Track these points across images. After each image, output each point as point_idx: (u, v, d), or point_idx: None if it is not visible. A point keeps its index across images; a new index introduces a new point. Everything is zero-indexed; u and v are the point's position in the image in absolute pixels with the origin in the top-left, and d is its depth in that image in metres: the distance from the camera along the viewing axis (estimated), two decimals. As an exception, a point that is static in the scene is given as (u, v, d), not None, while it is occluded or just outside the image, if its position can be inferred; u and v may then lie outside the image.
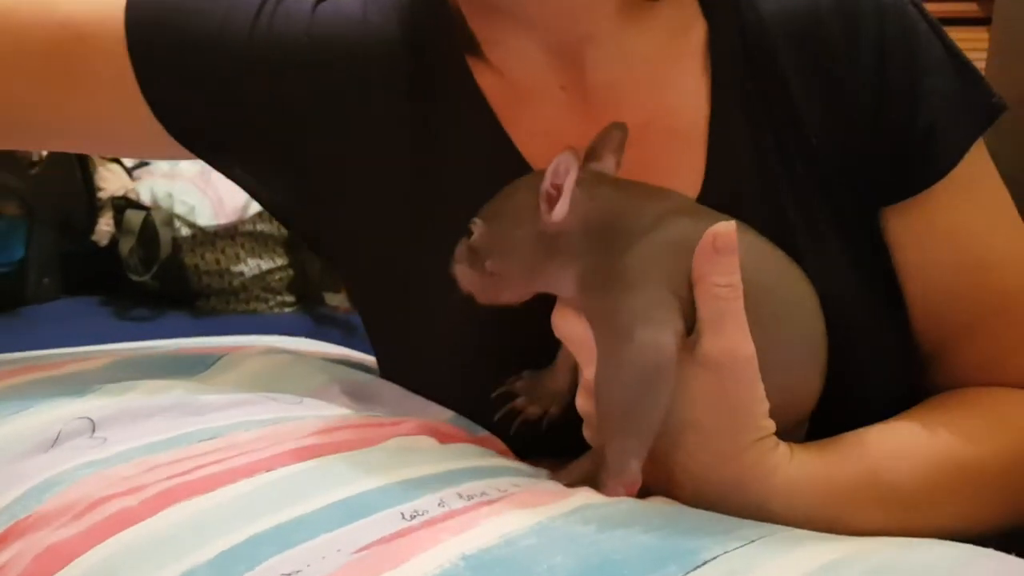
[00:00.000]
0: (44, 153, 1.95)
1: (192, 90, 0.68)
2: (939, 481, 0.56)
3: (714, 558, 0.42)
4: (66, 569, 0.43)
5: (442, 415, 0.65)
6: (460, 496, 0.47)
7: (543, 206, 0.54)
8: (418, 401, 0.66)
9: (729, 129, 0.64)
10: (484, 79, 0.67)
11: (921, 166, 0.61)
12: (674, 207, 0.55)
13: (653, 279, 0.52)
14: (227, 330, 2.00)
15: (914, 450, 0.57)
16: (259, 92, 0.67)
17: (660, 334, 0.51)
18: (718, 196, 0.62)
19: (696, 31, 0.66)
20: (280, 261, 2.21)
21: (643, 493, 0.52)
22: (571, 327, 0.55)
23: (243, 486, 0.48)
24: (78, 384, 0.63)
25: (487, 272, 0.56)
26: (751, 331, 0.51)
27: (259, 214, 2.18)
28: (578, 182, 0.54)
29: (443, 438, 0.58)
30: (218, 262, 2.15)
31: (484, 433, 0.64)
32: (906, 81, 0.61)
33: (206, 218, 2.11)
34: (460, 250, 0.58)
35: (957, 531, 0.52)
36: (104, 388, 0.62)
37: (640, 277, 0.52)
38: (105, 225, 2.19)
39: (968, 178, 0.62)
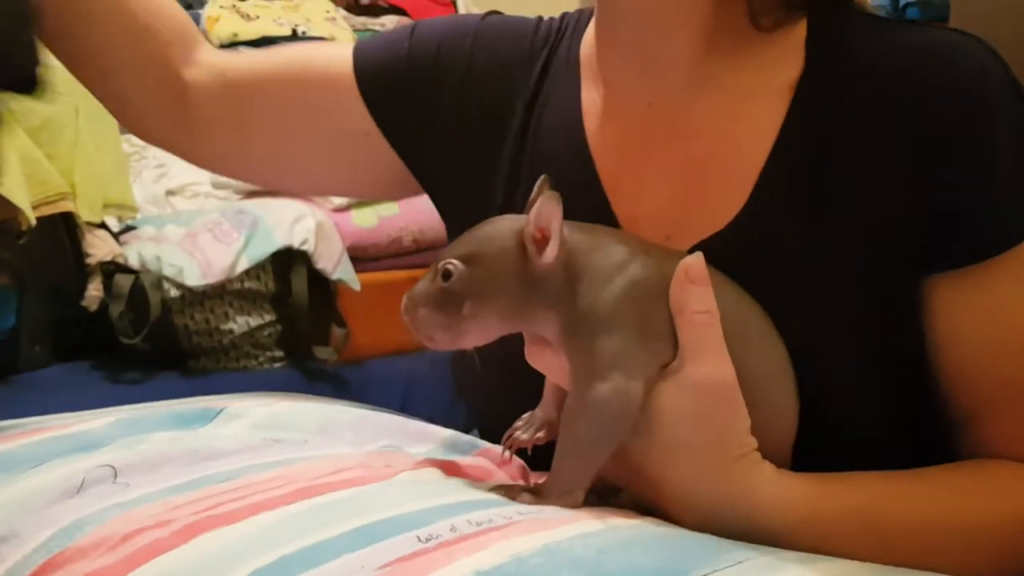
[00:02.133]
0: (33, 222, 1.99)
1: (425, 125, 0.78)
2: (927, 535, 0.57)
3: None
4: (110, 595, 0.47)
5: (438, 436, 0.70)
6: (470, 523, 0.50)
7: (531, 249, 0.56)
8: (415, 426, 0.71)
9: (783, 170, 0.65)
10: (588, 92, 0.74)
11: (976, 240, 0.62)
12: (636, 246, 0.59)
13: (628, 320, 0.56)
14: (219, 389, 2.02)
15: (909, 497, 0.59)
16: (473, 107, 0.77)
17: (631, 381, 0.55)
18: (747, 233, 0.65)
19: (790, 68, 0.68)
20: (268, 317, 2.24)
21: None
22: (547, 362, 0.59)
23: (265, 518, 0.51)
24: (91, 439, 0.66)
25: (463, 315, 0.57)
26: (732, 353, 0.56)
27: (246, 272, 2.21)
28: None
29: (447, 470, 0.62)
30: (207, 321, 2.18)
31: (477, 451, 0.69)
32: (980, 157, 0.61)
33: (194, 278, 2.14)
34: (424, 292, 0.58)
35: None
36: (120, 441, 0.65)
37: (615, 319, 0.56)
38: (95, 290, 2.22)
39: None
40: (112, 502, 0.56)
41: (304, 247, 2.29)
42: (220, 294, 2.19)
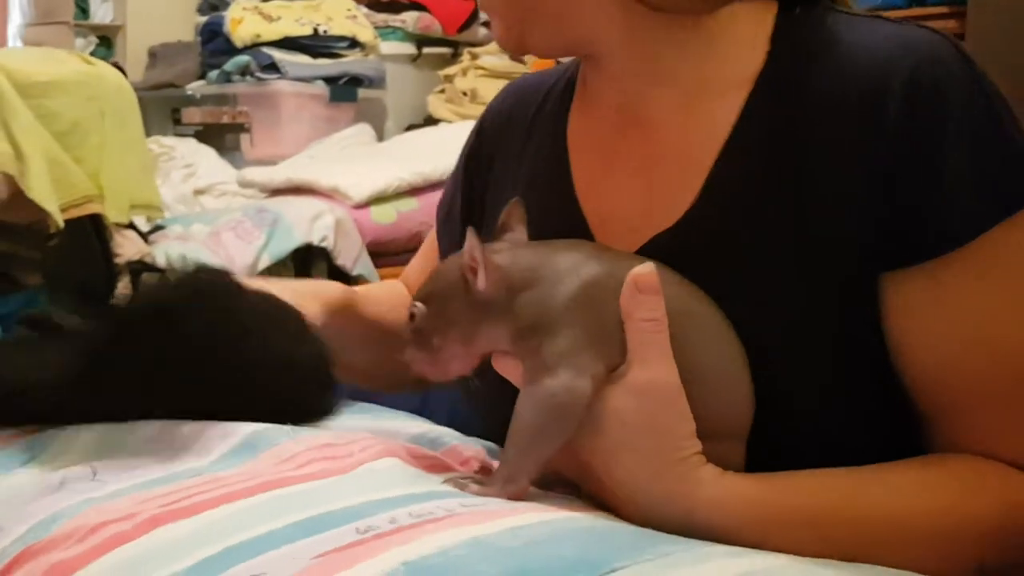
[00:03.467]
0: (60, 224, 2.04)
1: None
2: (875, 534, 0.58)
3: (623, 567, 0.47)
4: (69, 583, 0.50)
5: (416, 427, 0.73)
6: (410, 515, 0.53)
7: (469, 278, 0.61)
8: (401, 416, 0.74)
9: (736, 165, 0.66)
10: (575, 119, 0.78)
11: (929, 236, 0.61)
12: (585, 255, 0.62)
13: (576, 323, 0.58)
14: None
15: (856, 497, 0.59)
16: None
17: (579, 379, 0.57)
18: (695, 231, 0.67)
19: (753, 62, 0.68)
20: (291, 314, 2.27)
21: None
22: (509, 370, 0.62)
23: (222, 511, 0.54)
24: (78, 437, 0.70)
25: (435, 349, 0.63)
26: (681, 352, 0.58)
27: (268, 269, 2.26)
28: (496, 251, 0.62)
29: (409, 459, 0.64)
30: (231, 319, 2.23)
31: (446, 447, 0.71)
32: (932, 154, 0.61)
33: (218, 277, 2.18)
34: (406, 336, 0.64)
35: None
36: (102, 440, 0.69)
37: (562, 322, 0.59)
38: (123, 289, 2.28)
39: (991, 258, 0.61)
40: (86, 496, 0.59)
41: (324, 244, 2.33)
42: (243, 291, 2.23)
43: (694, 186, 0.67)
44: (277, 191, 2.59)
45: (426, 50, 3.65)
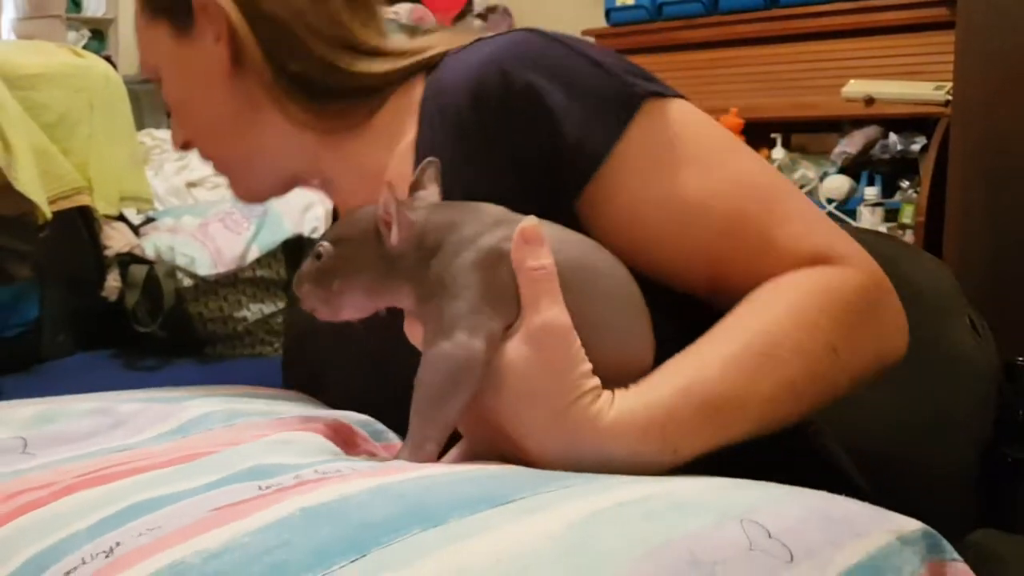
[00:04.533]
0: (49, 216, 2.05)
1: None
2: (743, 374, 0.61)
3: (522, 498, 0.48)
4: (-24, 546, 0.51)
5: (363, 418, 0.73)
6: (316, 472, 0.53)
7: (383, 231, 0.62)
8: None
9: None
10: None
11: (580, 166, 0.71)
12: (491, 220, 0.63)
13: (473, 286, 0.60)
14: (234, 374, 2.07)
15: (716, 351, 0.62)
16: None
17: (474, 339, 0.58)
18: None
19: (410, 130, 0.80)
20: (281, 304, 2.28)
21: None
22: (414, 334, 0.63)
23: (136, 479, 0.55)
24: (16, 411, 0.71)
25: (334, 291, 0.64)
26: (575, 302, 0.59)
27: (258, 260, 2.26)
28: (413, 209, 0.63)
29: (334, 437, 0.65)
30: (221, 309, 2.23)
31: (387, 441, 0.72)
32: (542, 117, 0.71)
33: (206, 268, 2.19)
34: (306, 271, 0.65)
35: (775, 422, 0.62)
36: (39, 414, 0.70)
37: (462, 285, 0.60)
38: (113, 281, 2.28)
39: (634, 156, 0.71)
40: (13, 468, 0.60)
41: (314, 235, 2.33)
42: (233, 282, 2.24)
43: None
44: (269, 183, 2.60)
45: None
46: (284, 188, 0.93)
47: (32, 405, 0.73)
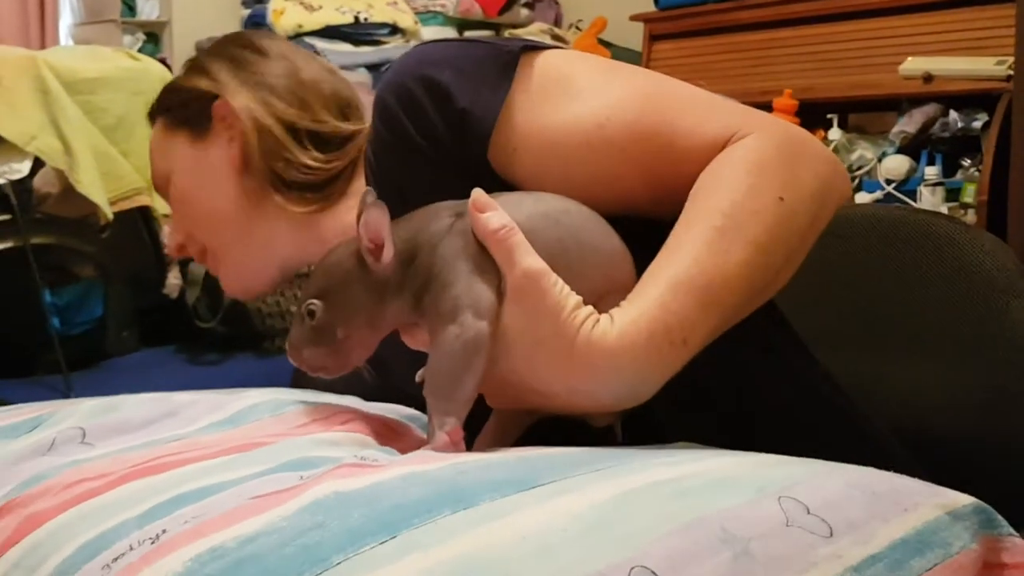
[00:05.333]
0: (110, 217, 2.10)
1: None
2: (709, 249, 0.64)
3: (552, 481, 0.49)
4: (37, 531, 0.53)
5: (410, 412, 0.74)
6: (356, 458, 0.55)
7: (369, 259, 0.63)
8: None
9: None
10: None
11: (477, 127, 0.74)
12: (450, 211, 0.65)
13: (462, 270, 0.62)
14: (292, 367, 2.10)
15: (677, 243, 0.65)
16: None
17: (478, 318, 0.60)
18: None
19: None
20: (337, 298, 2.31)
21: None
22: (418, 339, 0.66)
23: (186, 469, 0.57)
24: (79, 407, 0.73)
25: (339, 341, 0.64)
26: (546, 249, 0.62)
27: (313, 255, 2.30)
28: None
29: (383, 431, 0.66)
30: (278, 304, 2.27)
31: None
32: (439, 94, 0.75)
33: (263, 263, 2.23)
34: (300, 336, 0.66)
35: (764, 280, 0.65)
36: (99, 406, 0.72)
37: (450, 271, 0.62)
38: (174, 279, 2.33)
39: (523, 106, 0.74)
40: (72, 458, 0.62)
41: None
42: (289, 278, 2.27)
43: None
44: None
45: (467, 34, 3.66)
46: (273, 283, 1.00)
47: (96, 400, 0.75)
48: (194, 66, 1.00)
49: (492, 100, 0.75)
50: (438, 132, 0.75)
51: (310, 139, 0.93)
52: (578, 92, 0.74)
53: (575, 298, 0.61)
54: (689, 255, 0.63)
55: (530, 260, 0.61)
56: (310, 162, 0.92)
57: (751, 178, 0.67)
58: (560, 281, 0.61)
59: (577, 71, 0.76)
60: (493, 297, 0.61)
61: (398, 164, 0.78)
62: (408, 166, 0.78)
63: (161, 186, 1.01)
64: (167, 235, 1.04)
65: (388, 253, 0.63)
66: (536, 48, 0.78)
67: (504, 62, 0.76)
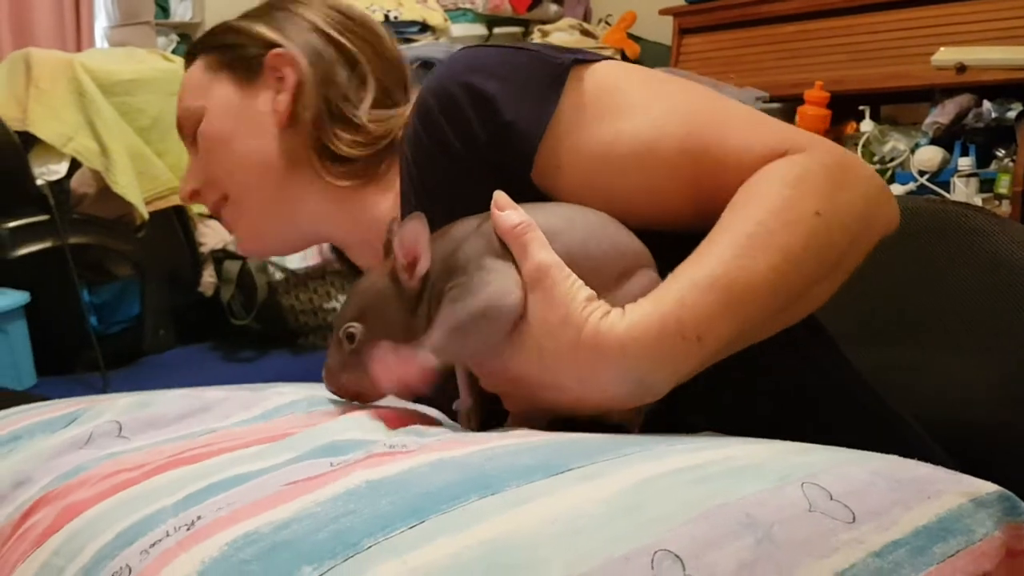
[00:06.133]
0: (146, 217, 2.13)
1: None
2: (738, 253, 0.63)
3: (580, 466, 0.50)
4: (76, 519, 0.55)
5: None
6: (385, 445, 0.56)
7: (403, 276, 0.65)
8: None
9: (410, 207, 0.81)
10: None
11: (522, 141, 0.74)
12: (476, 219, 0.67)
13: (489, 257, 0.64)
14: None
15: (706, 248, 0.65)
16: None
17: (512, 290, 0.63)
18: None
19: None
20: (369, 294, 2.32)
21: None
22: None
23: (220, 458, 0.58)
24: (116, 402, 0.74)
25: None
26: (563, 246, 0.64)
27: (344, 251, 2.32)
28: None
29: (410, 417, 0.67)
30: (311, 301, 2.29)
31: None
32: (483, 103, 0.74)
33: (296, 261, 2.25)
34: (339, 360, 0.67)
35: (788, 291, 0.64)
36: (135, 401, 0.73)
37: (480, 262, 0.64)
38: (209, 277, 2.36)
39: (571, 121, 0.74)
40: (109, 451, 0.64)
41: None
42: (322, 275, 2.29)
43: None
44: (355, 176, 2.65)
45: (497, 30, 3.66)
46: (292, 247, 1.00)
47: (132, 395, 0.77)
48: (257, 13, 0.97)
49: (539, 115, 0.74)
50: (479, 141, 0.75)
51: (361, 113, 0.90)
52: (628, 108, 0.74)
53: (587, 291, 0.62)
54: (715, 257, 0.64)
55: (544, 254, 0.63)
56: (359, 137, 0.89)
57: (788, 190, 0.66)
58: (573, 275, 0.63)
59: (627, 86, 0.75)
60: (519, 280, 0.63)
61: (430, 165, 0.78)
62: (441, 169, 0.77)
63: (185, 125, 0.97)
64: (181, 180, 0.99)
65: (424, 265, 0.65)
66: (586, 61, 0.77)
67: (553, 76, 0.75)
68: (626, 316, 0.61)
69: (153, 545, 0.48)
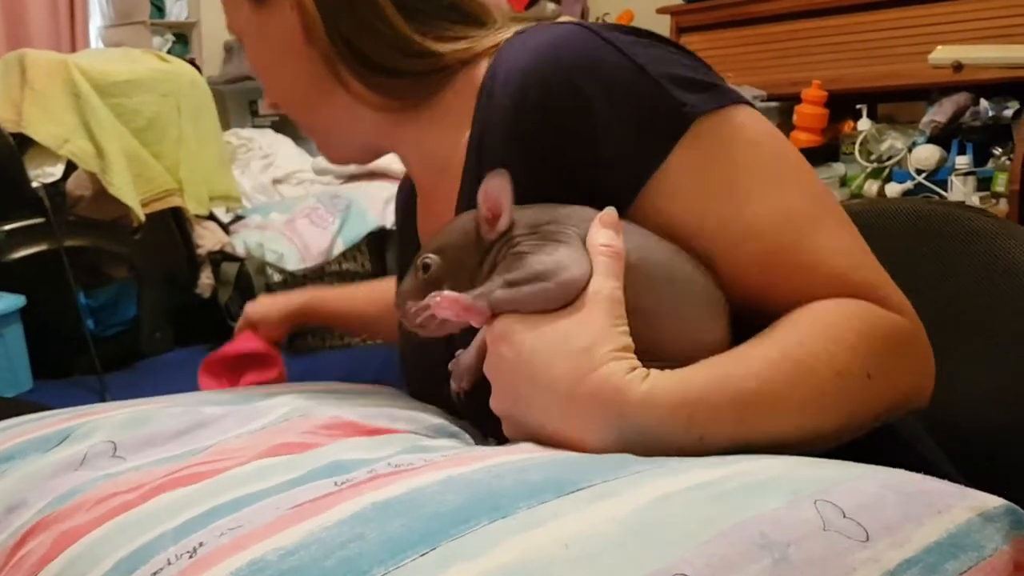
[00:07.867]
0: (142, 219, 2.12)
1: None
2: (778, 377, 0.61)
3: (591, 485, 0.49)
4: (73, 546, 0.53)
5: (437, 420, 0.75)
6: (389, 464, 0.55)
7: (484, 227, 0.66)
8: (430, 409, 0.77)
9: (470, 181, 0.77)
10: (421, 208, 0.93)
11: (618, 186, 0.69)
12: (588, 214, 0.67)
13: (578, 238, 0.65)
14: (325, 366, 2.12)
15: (754, 353, 0.63)
16: None
17: (579, 267, 0.62)
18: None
19: (467, 123, 0.80)
20: (367, 296, 2.31)
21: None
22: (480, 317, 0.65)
23: (220, 478, 0.57)
24: (108, 419, 0.73)
25: None
26: (646, 293, 0.64)
27: (343, 254, 2.30)
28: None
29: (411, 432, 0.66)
30: (309, 303, 2.27)
31: (467, 441, 0.73)
32: (587, 129, 0.70)
33: (294, 263, 2.24)
34: (411, 287, 0.67)
35: (803, 436, 0.61)
36: (129, 419, 0.72)
37: (559, 237, 0.65)
38: (206, 279, 2.35)
39: (676, 180, 0.69)
40: (104, 472, 0.63)
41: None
42: (320, 276, 2.28)
43: (453, 193, 0.80)
44: (352, 177, 2.64)
45: (498, 29, 3.65)
46: (367, 156, 0.94)
47: (127, 407, 0.76)
48: None
49: (641, 167, 0.69)
50: (568, 159, 0.70)
51: (385, 19, 0.81)
52: (738, 189, 0.69)
53: (627, 340, 0.61)
54: (752, 368, 0.61)
55: (611, 284, 0.62)
56: (388, 55, 0.81)
57: (853, 337, 0.64)
58: (623, 318, 0.62)
59: (746, 161, 0.70)
60: (589, 269, 0.63)
61: (502, 144, 0.74)
62: (512, 152, 0.73)
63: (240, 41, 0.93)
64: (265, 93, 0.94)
65: (504, 222, 0.65)
66: (714, 107, 0.70)
67: (669, 122, 0.69)
68: (647, 381, 0.59)
69: (155, 574, 0.47)
